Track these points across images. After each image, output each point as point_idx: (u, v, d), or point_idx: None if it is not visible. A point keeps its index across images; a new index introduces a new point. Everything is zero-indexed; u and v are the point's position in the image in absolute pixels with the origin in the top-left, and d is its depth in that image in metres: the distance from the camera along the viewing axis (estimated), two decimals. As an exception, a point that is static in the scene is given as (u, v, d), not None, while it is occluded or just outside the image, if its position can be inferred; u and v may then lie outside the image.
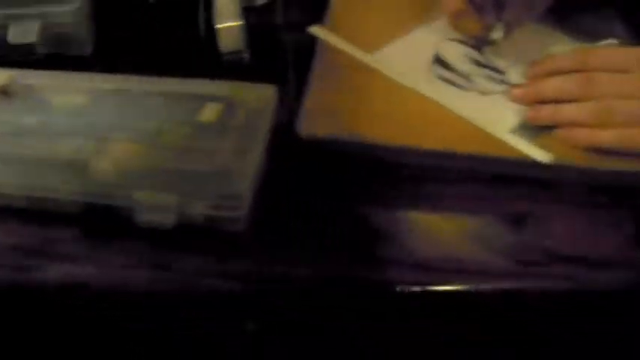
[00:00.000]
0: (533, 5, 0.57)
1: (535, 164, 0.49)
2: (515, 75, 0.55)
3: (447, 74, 0.56)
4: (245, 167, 0.47)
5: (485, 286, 0.46)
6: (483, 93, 0.54)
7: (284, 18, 0.69)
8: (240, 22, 0.61)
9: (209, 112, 0.51)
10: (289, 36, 0.66)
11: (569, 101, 0.50)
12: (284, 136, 0.52)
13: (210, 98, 0.52)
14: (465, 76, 0.55)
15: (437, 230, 0.48)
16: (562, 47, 0.58)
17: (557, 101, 0.51)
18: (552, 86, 0.51)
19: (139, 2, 0.66)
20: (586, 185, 0.50)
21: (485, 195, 0.50)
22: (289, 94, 0.56)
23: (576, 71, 0.51)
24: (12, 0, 0.61)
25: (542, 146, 0.50)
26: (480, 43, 0.58)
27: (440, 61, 0.57)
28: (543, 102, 0.51)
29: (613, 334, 0.48)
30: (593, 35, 0.60)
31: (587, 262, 0.47)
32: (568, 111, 0.49)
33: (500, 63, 0.57)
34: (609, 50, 0.52)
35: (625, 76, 0.49)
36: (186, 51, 0.64)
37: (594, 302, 0.47)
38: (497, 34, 0.56)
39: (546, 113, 0.50)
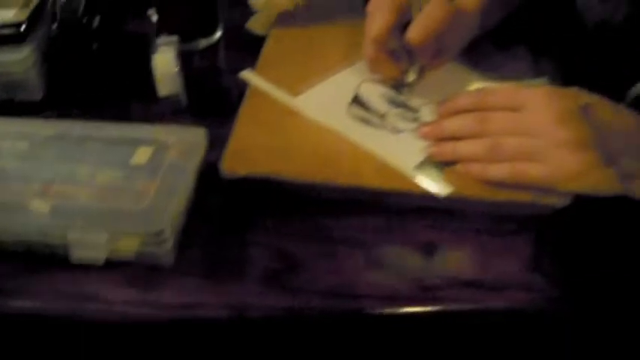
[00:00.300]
0: (446, 49, 0.63)
1: (438, 197, 0.53)
2: (428, 113, 0.61)
3: (363, 114, 0.61)
4: (171, 206, 0.52)
5: (391, 310, 0.50)
6: (395, 131, 0.59)
7: (222, 62, 0.74)
8: (177, 68, 0.66)
9: (141, 155, 0.56)
10: (226, 79, 0.71)
11: (468, 138, 0.55)
12: (212, 175, 0.56)
13: (142, 142, 0.57)
14: (380, 115, 0.60)
15: (347, 259, 0.52)
16: (474, 86, 0.63)
17: (458, 138, 0.56)
18: (452, 125, 0.56)
19: (85, 49, 0.71)
20: (486, 215, 0.55)
21: (393, 226, 0.54)
22: (220, 136, 0.60)
23: (476, 110, 0.56)
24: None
25: (444, 180, 0.54)
26: (397, 85, 0.63)
27: (358, 102, 0.62)
28: (446, 139, 0.56)
29: (510, 351, 0.53)
30: (505, 73, 0.65)
31: (486, 285, 0.51)
32: (465, 147, 0.54)
33: (415, 102, 0.62)
34: (505, 90, 0.57)
35: (516, 115, 0.54)
36: (128, 95, 0.68)
37: (493, 322, 0.52)
38: (411, 77, 0.62)
39: (447, 150, 0.55)
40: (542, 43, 0.70)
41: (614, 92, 0.60)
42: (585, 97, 0.53)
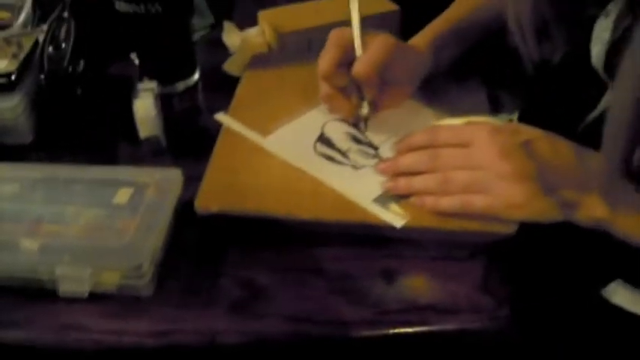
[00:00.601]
0: (399, 85, 0.68)
1: (394, 227, 0.58)
2: (387, 149, 0.66)
3: (328, 151, 0.66)
4: (149, 242, 0.56)
5: (353, 334, 0.55)
6: (356, 167, 0.64)
7: (200, 103, 0.80)
8: (156, 112, 0.71)
9: (122, 196, 0.60)
10: (204, 119, 0.76)
11: (422, 173, 0.60)
12: (189, 212, 0.61)
13: (123, 183, 0.62)
14: (343, 153, 0.65)
15: (311, 287, 0.57)
16: (431, 122, 0.68)
17: (413, 173, 0.61)
18: (407, 161, 0.61)
19: (71, 95, 0.76)
20: (439, 243, 0.59)
21: (354, 255, 0.59)
22: (197, 174, 0.65)
23: (429, 147, 0.61)
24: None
25: (400, 212, 0.59)
26: (356, 121, 0.68)
27: (323, 140, 0.67)
28: (402, 174, 0.61)
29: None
30: (461, 108, 0.70)
31: (440, 308, 0.56)
32: (419, 182, 0.59)
33: (375, 139, 0.67)
34: (454, 128, 0.62)
35: (465, 151, 0.59)
36: (112, 137, 0.73)
37: (448, 343, 0.56)
38: (364, 112, 0.67)
39: (402, 184, 0.60)
40: (498, 76, 0.75)
41: (570, 123, 0.65)
42: (526, 132, 0.59)
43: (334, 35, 0.66)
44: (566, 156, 0.58)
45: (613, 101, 0.51)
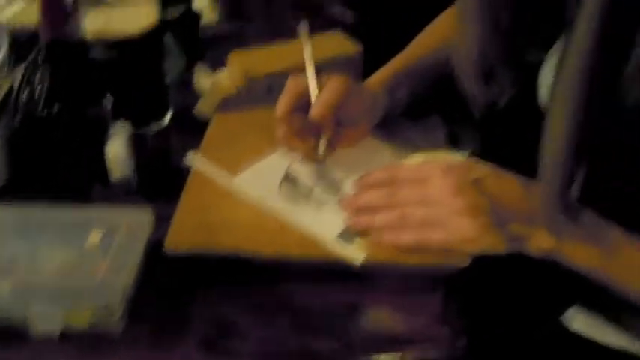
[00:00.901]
0: (356, 124, 0.71)
1: (356, 263, 0.61)
2: (349, 187, 0.69)
3: (292, 190, 0.69)
4: (120, 282, 0.58)
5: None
6: (320, 204, 0.67)
7: (172, 143, 0.82)
8: (128, 154, 0.73)
9: (94, 237, 0.63)
10: (176, 160, 0.78)
11: (382, 209, 0.63)
12: (159, 251, 0.63)
13: (95, 224, 0.64)
14: (307, 191, 0.68)
15: (278, 322, 0.59)
16: (391, 160, 0.72)
17: (373, 209, 0.64)
18: (368, 198, 0.65)
19: (45, 138, 0.78)
20: (400, 276, 0.62)
21: (319, 290, 0.62)
22: (169, 214, 0.68)
23: (388, 184, 0.65)
24: None
25: (362, 247, 0.62)
26: (318, 160, 0.71)
27: (289, 179, 0.70)
28: (363, 210, 0.64)
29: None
30: (419, 145, 0.74)
31: (401, 339, 0.59)
32: (378, 218, 0.63)
33: (337, 176, 0.70)
34: (412, 166, 0.65)
35: (421, 188, 0.62)
36: (86, 178, 0.76)
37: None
38: (321, 150, 0.70)
39: (362, 221, 0.63)
40: (457, 113, 0.79)
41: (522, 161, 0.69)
42: (477, 170, 0.62)
43: (291, 80, 0.70)
44: (514, 191, 0.61)
45: (546, 137, 0.54)
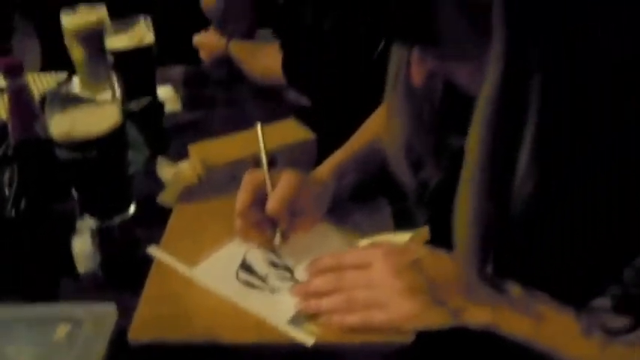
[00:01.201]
0: (308, 213, 0.77)
1: (307, 344, 0.65)
2: (301, 272, 0.74)
3: (248, 278, 0.74)
4: (85, 375, 0.62)
5: None
6: (274, 290, 0.72)
7: (137, 234, 0.87)
8: (92, 249, 0.78)
9: (60, 332, 0.66)
10: (140, 251, 0.83)
11: (330, 293, 0.68)
12: (124, 341, 0.67)
13: (61, 319, 0.68)
14: (263, 278, 0.73)
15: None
16: (340, 244, 0.77)
17: (322, 294, 0.69)
18: (316, 283, 0.70)
19: (13, 236, 0.82)
20: (350, 354, 0.67)
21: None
22: (134, 304, 0.72)
23: (335, 269, 0.70)
24: None
25: (312, 330, 0.67)
26: (271, 248, 0.76)
27: (245, 267, 0.75)
28: (312, 295, 0.69)
29: None
30: (366, 229, 0.80)
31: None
32: (326, 302, 0.68)
33: (290, 262, 0.75)
34: (357, 251, 0.71)
35: (365, 271, 0.68)
36: (53, 272, 0.80)
37: None
38: (277, 240, 0.76)
39: (312, 305, 0.68)
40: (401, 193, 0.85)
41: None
42: (415, 251, 0.68)
43: (247, 177, 0.76)
44: (449, 269, 0.67)
45: (455, 219, 0.59)
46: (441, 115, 0.66)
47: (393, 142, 0.69)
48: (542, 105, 0.47)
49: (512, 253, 0.58)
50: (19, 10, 2.11)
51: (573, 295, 0.62)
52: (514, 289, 0.63)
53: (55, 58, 1.41)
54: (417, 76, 0.57)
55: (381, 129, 0.86)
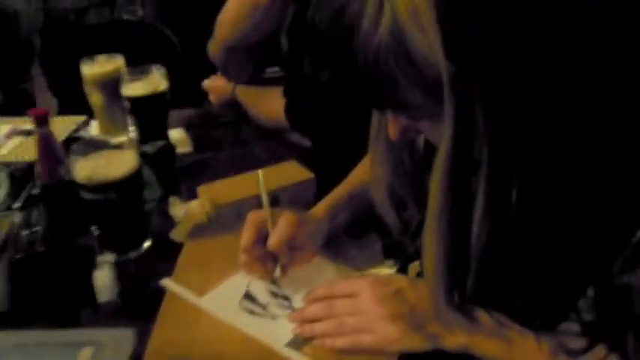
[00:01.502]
0: (305, 248, 0.86)
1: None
2: (298, 300, 0.82)
3: (251, 306, 0.82)
4: (106, 393, 0.71)
5: None
6: (274, 317, 0.80)
7: (152, 267, 0.96)
8: (112, 280, 0.87)
9: (84, 355, 0.75)
10: (155, 282, 0.92)
11: (323, 319, 0.77)
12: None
13: (85, 344, 0.76)
14: (264, 306, 0.82)
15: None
16: (334, 276, 0.86)
17: (317, 319, 0.77)
18: (311, 310, 0.78)
19: (42, 269, 0.92)
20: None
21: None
22: (149, 332, 0.80)
23: (328, 298, 0.79)
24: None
25: (308, 352, 0.75)
26: (271, 279, 0.85)
27: (248, 296, 0.84)
28: (308, 321, 0.78)
29: None
30: (358, 262, 0.88)
31: None
32: (319, 327, 0.76)
33: (289, 292, 0.84)
34: (347, 282, 0.80)
35: (353, 300, 0.76)
36: (76, 302, 0.89)
37: None
38: (278, 273, 0.85)
39: (307, 330, 0.77)
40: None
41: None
42: (397, 281, 0.77)
43: (251, 217, 0.86)
44: (428, 298, 0.75)
45: (423, 252, 0.66)
46: (420, 162, 0.75)
47: (378, 188, 0.78)
48: (490, 164, 0.56)
49: (476, 283, 0.66)
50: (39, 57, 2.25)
51: (541, 319, 0.70)
52: (482, 315, 0.71)
53: (72, 103, 1.51)
54: (393, 131, 0.66)
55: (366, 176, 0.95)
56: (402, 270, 0.86)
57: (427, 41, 0.51)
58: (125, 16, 2.58)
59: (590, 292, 0.65)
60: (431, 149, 0.72)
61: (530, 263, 0.64)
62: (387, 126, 0.68)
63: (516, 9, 0.53)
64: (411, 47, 0.52)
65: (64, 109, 1.96)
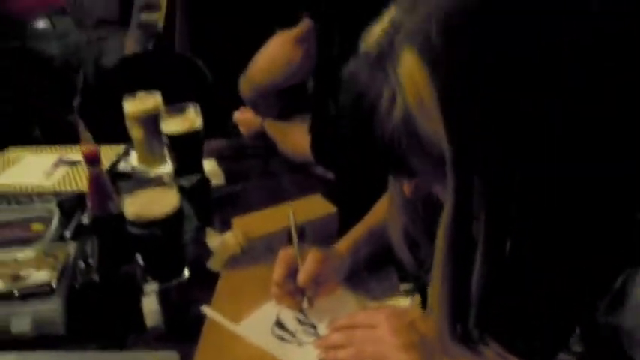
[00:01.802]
0: (329, 281, 0.97)
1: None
2: (323, 328, 0.93)
3: (281, 333, 0.93)
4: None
5: None
6: (301, 343, 0.91)
7: (192, 294, 1.07)
8: (158, 307, 0.98)
9: (136, 375, 0.87)
10: (195, 308, 1.02)
11: (345, 347, 0.87)
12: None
13: (137, 365, 0.88)
14: (292, 333, 0.93)
15: None
16: (354, 307, 0.96)
17: (338, 347, 0.88)
18: (333, 338, 0.89)
19: (97, 297, 1.03)
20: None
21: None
22: (192, 354, 0.91)
23: (350, 327, 0.89)
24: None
25: (331, 376, 0.86)
26: (302, 309, 0.96)
27: (278, 324, 0.95)
28: (331, 348, 0.88)
29: None
30: (376, 294, 0.99)
31: None
32: (341, 354, 0.87)
33: (314, 320, 0.95)
34: (366, 313, 0.90)
35: (372, 330, 0.86)
36: (125, 326, 1.00)
37: None
38: (305, 304, 0.95)
39: (331, 356, 0.87)
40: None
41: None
42: (413, 314, 0.87)
43: (282, 254, 0.97)
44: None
45: (429, 289, 0.75)
46: (432, 212, 0.85)
47: (394, 228, 0.88)
48: (487, 222, 0.65)
49: (478, 319, 0.75)
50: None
51: (538, 352, 0.80)
52: (485, 348, 0.80)
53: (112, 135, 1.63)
54: (407, 189, 0.77)
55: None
56: (422, 291, 0.96)
57: (432, 127, 0.62)
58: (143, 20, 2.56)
59: (578, 330, 0.75)
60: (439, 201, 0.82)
61: (525, 302, 0.73)
62: (402, 183, 0.79)
63: (514, 96, 0.62)
64: (420, 132, 0.63)
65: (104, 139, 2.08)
